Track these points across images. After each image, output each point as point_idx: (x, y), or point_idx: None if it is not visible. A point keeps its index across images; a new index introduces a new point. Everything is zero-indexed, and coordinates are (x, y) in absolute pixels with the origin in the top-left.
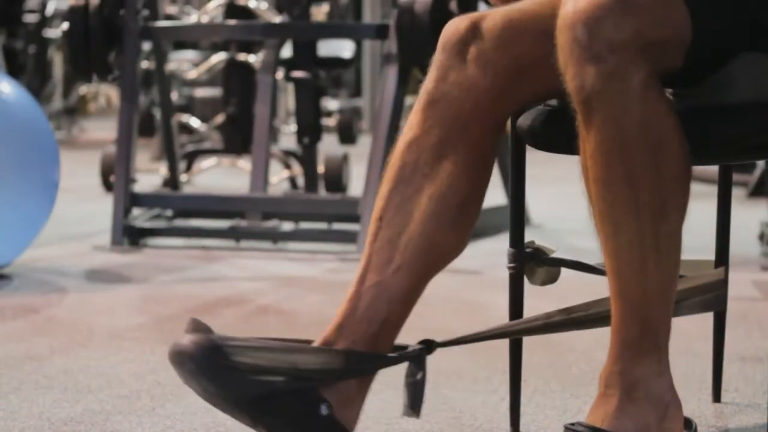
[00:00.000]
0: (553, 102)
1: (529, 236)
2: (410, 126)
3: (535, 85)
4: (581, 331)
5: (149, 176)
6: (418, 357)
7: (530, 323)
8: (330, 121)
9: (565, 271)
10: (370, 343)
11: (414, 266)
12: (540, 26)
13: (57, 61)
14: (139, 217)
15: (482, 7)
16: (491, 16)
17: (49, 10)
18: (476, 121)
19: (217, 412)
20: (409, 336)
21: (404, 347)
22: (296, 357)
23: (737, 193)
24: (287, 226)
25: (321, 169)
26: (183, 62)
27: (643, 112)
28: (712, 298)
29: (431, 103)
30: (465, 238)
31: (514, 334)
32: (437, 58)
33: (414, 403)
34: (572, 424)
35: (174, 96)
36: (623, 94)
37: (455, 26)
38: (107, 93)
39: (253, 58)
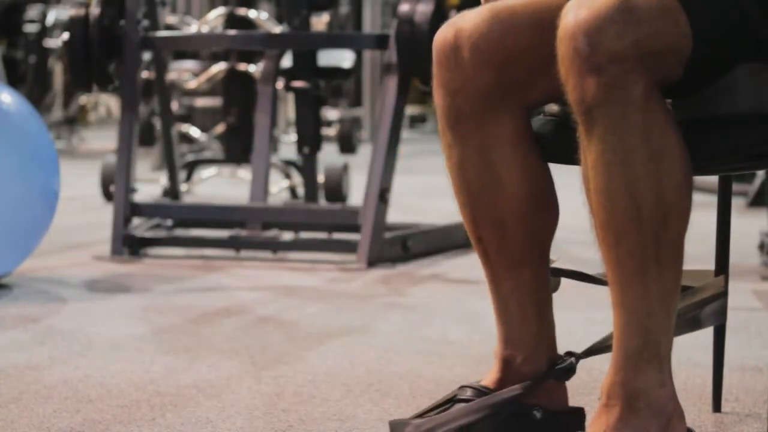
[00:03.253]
0: (554, 109)
1: None
2: (448, 146)
3: (538, 76)
4: (582, 341)
5: (149, 186)
6: (570, 368)
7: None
8: (330, 131)
9: (565, 281)
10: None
11: (531, 256)
12: (532, 17)
13: (57, 71)
14: (139, 226)
15: None
16: (471, 15)
17: (50, 20)
18: (497, 116)
19: (217, 423)
20: (408, 344)
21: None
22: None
23: (737, 203)
24: (287, 235)
25: (321, 178)
26: (183, 72)
27: (644, 122)
28: (712, 313)
29: (450, 119)
30: (555, 204)
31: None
32: (437, 74)
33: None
34: None
35: (174, 106)
36: (624, 104)
37: (442, 37)
38: (107, 103)
39: (253, 68)
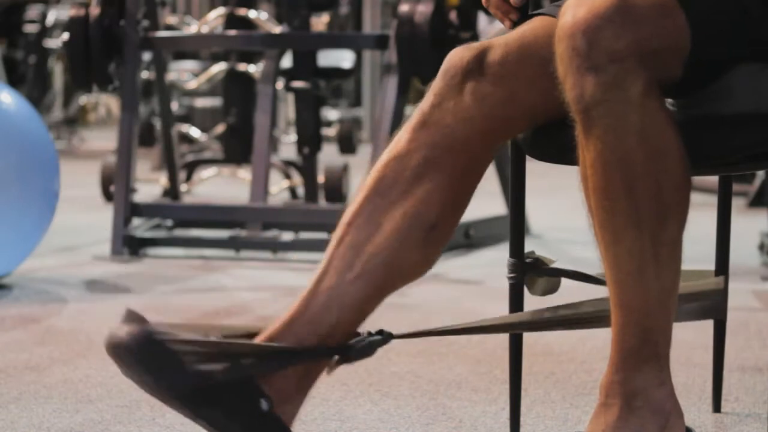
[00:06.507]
0: None
1: (529, 246)
2: (397, 141)
3: (530, 116)
4: (582, 340)
5: (149, 186)
6: (368, 348)
7: (508, 320)
8: (330, 131)
9: (565, 281)
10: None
11: (374, 277)
12: (537, 56)
13: (57, 71)
14: (139, 227)
15: (482, 18)
16: (494, 50)
17: (50, 20)
18: (465, 149)
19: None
20: (408, 344)
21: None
22: (235, 348)
23: (737, 203)
24: (287, 236)
25: (321, 179)
26: (183, 72)
27: (642, 121)
28: (711, 305)
29: (423, 124)
30: (431, 260)
31: (487, 331)
32: (436, 84)
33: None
34: None
35: (174, 106)
36: (623, 103)
37: (459, 56)
38: (107, 103)
39: (253, 68)
